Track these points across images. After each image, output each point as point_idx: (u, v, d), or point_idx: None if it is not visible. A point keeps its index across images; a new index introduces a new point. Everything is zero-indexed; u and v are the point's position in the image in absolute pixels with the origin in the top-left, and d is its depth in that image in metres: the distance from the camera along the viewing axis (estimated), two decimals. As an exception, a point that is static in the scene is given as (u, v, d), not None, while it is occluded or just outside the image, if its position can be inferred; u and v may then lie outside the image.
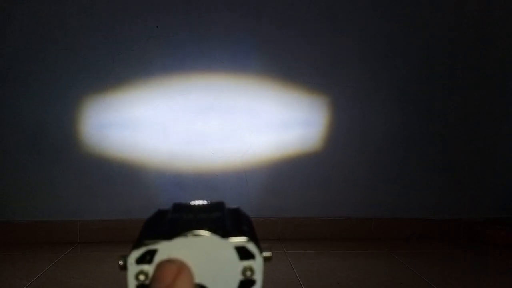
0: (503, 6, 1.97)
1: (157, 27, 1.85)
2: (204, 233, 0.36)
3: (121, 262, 0.38)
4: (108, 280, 1.44)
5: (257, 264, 0.38)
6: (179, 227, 0.37)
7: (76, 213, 1.88)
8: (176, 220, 0.39)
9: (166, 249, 0.36)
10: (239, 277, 0.37)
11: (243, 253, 0.36)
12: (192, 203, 0.42)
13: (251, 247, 0.37)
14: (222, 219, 0.39)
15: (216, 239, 0.36)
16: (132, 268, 0.37)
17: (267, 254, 0.38)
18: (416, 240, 1.95)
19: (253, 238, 0.37)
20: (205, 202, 0.42)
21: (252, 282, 0.37)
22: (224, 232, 0.37)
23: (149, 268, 0.36)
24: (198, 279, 0.36)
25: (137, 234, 0.39)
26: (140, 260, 0.37)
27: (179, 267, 0.35)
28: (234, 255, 0.36)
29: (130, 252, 0.37)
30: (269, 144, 1.93)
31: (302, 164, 1.95)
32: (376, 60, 1.96)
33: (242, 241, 0.37)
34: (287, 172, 1.95)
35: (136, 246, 0.37)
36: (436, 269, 1.60)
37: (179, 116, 1.89)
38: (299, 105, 1.93)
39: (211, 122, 1.90)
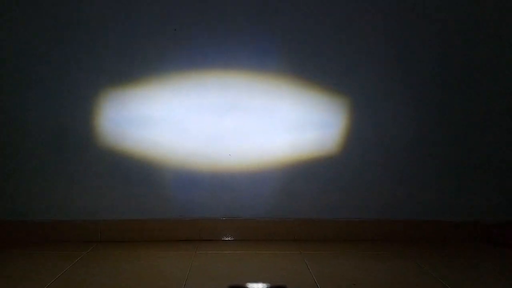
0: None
1: (175, 30, 1.89)
2: None
3: None
4: (129, 278, 1.48)
5: None
6: None
7: (97, 213, 1.93)
8: None
9: None
10: None
11: None
12: (250, 286, 0.40)
13: None
14: None
15: None
16: None
17: None
18: (433, 243, 1.94)
19: None
20: (264, 286, 0.40)
21: None
22: None
23: None
24: None
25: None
26: None
27: None
28: None
29: None
30: (286, 145, 1.95)
31: (318, 166, 1.97)
32: (391, 62, 1.96)
33: None
34: (303, 174, 1.97)
35: None
36: (452, 271, 1.59)
37: (196, 115, 1.92)
38: (316, 106, 1.95)
39: (227, 122, 1.93)
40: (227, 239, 1.97)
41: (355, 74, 1.95)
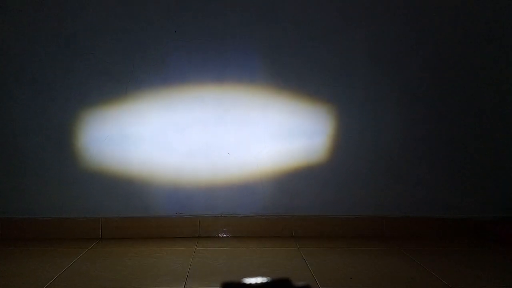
0: (512, 9, 2.01)
1: (175, 31, 1.93)
2: None
3: None
4: (129, 273, 1.52)
5: None
6: None
7: (98, 210, 1.96)
8: None
9: None
10: None
11: None
12: (248, 282, 0.36)
13: None
14: None
15: None
16: None
17: None
18: (428, 239, 1.99)
19: None
20: (264, 280, 0.36)
21: None
22: None
23: None
24: None
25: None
26: None
27: None
28: None
29: None
30: (283, 146, 1.99)
31: (316, 164, 2.01)
32: (387, 62, 2.01)
33: None
34: (301, 173, 2.01)
35: None
36: (446, 266, 1.64)
37: (196, 120, 1.96)
38: (312, 107, 1.99)
39: (227, 125, 1.98)
40: (225, 236, 2.01)
41: (353, 73, 2.00)
